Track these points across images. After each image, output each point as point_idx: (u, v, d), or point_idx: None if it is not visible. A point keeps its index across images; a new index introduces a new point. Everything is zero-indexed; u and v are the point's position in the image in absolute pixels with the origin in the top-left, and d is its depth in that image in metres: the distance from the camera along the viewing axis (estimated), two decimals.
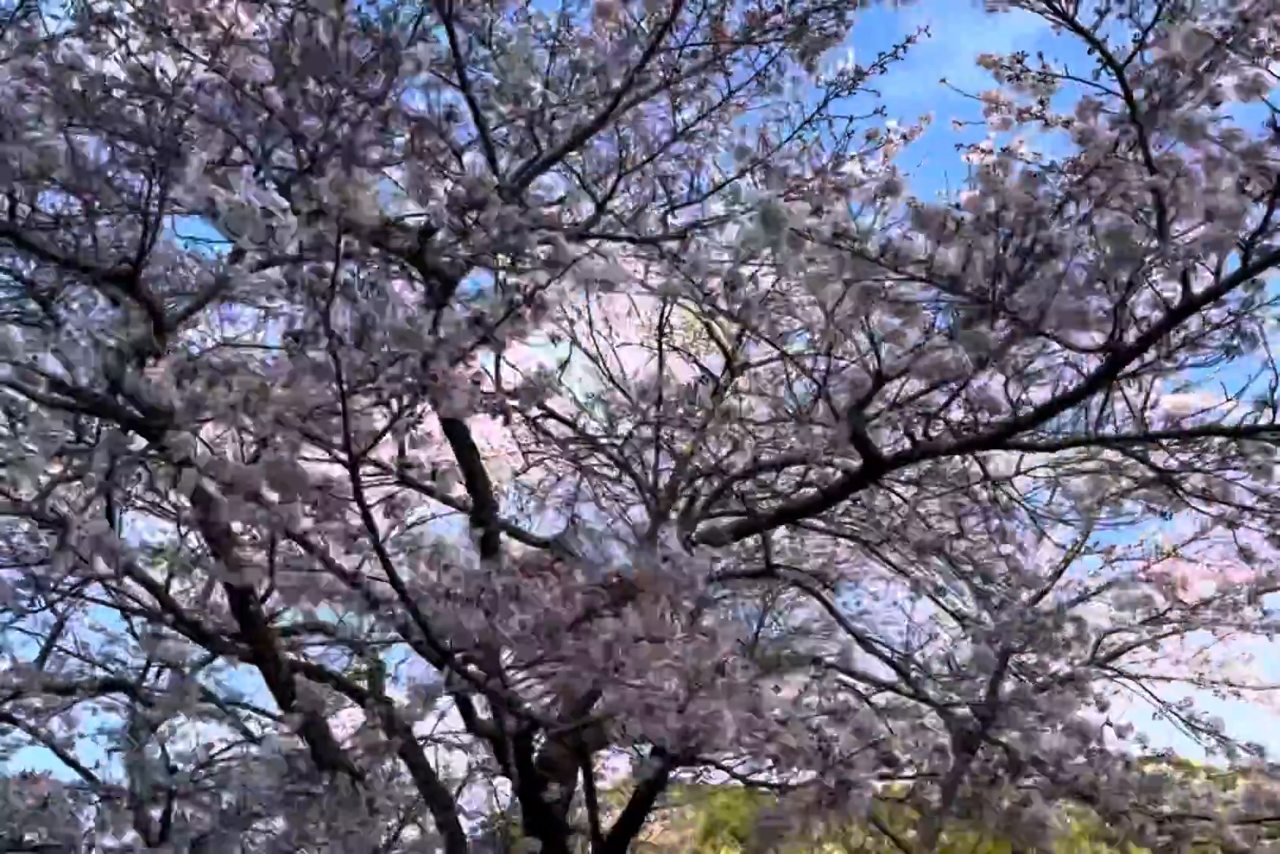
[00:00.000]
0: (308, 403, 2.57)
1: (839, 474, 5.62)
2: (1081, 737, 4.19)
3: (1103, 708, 5.01)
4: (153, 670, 8.63)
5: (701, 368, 6.91)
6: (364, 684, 7.34)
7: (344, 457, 2.65)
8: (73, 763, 7.76)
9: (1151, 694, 6.43)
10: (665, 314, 6.71)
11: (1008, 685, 5.28)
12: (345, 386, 2.55)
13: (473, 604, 2.88)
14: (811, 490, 6.02)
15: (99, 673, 8.45)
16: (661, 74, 4.34)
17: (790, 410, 4.95)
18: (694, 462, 6.57)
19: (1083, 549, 6.31)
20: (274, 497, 2.73)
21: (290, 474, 2.66)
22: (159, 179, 3.79)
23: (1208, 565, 6.28)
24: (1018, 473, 4.81)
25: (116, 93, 3.87)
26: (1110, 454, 4.74)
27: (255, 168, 3.89)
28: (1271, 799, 4.73)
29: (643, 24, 4.18)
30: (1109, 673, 6.60)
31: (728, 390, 6.16)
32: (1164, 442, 4.19)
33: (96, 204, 4.00)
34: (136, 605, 7.91)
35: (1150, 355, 3.64)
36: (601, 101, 4.50)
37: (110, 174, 3.99)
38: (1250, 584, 5.72)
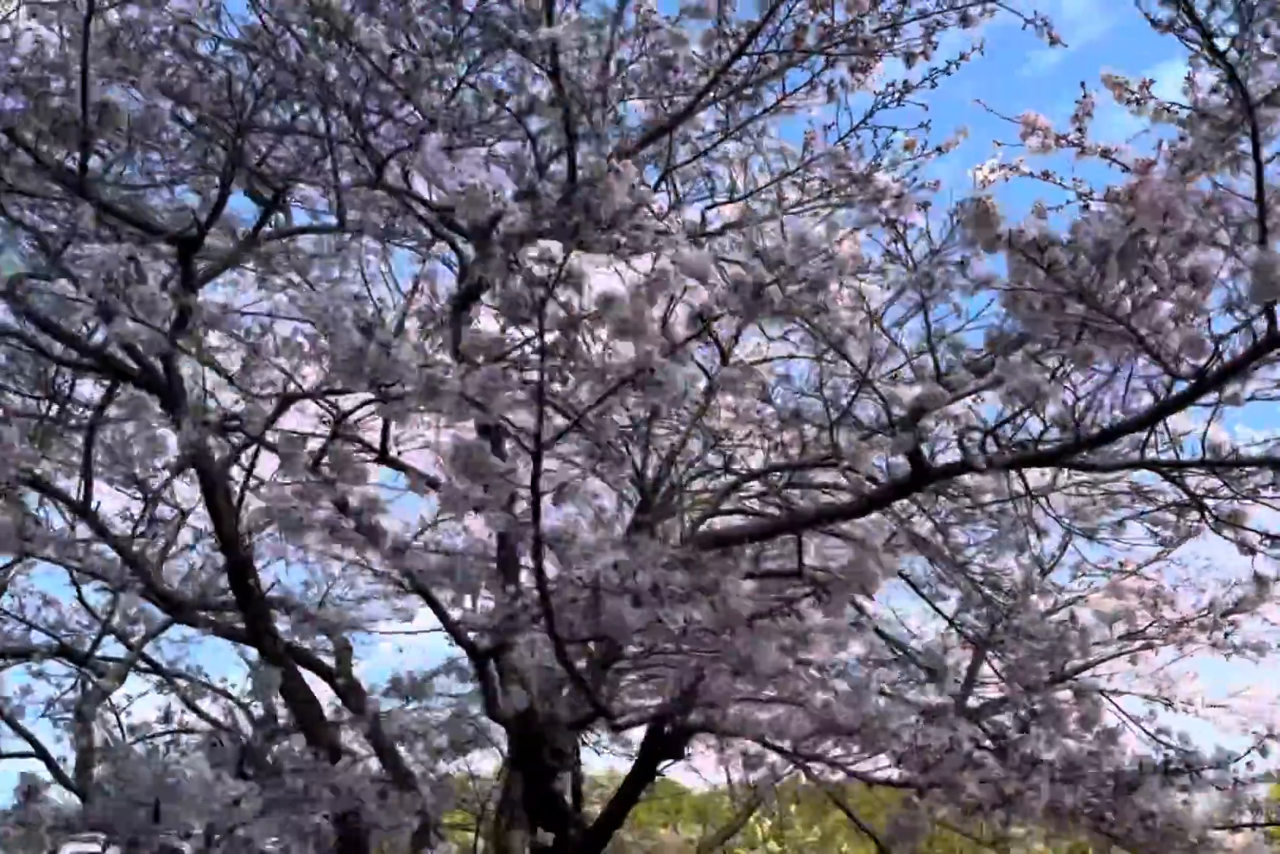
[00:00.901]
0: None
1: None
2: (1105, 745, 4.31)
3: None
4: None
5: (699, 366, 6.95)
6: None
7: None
8: (22, 731, 7.63)
9: (1118, 707, 6.61)
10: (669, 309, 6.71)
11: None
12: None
13: (623, 596, 2.89)
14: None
15: (40, 638, 8.33)
16: (740, 76, 4.37)
17: (825, 412, 4.98)
18: (685, 457, 6.61)
19: (1057, 562, 6.47)
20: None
21: (482, 461, 2.67)
22: (235, 146, 3.73)
23: (1186, 581, 6.50)
24: (1052, 489, 4.95)
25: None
26: (1134, 475, 4.90)
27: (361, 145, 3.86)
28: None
29: (733, 26, 4.21)
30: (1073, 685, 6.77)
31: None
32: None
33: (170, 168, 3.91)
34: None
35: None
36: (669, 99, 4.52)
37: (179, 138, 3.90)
38: (1226, 604, 5.92)
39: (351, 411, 4.00)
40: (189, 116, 3.90)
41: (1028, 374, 3.71)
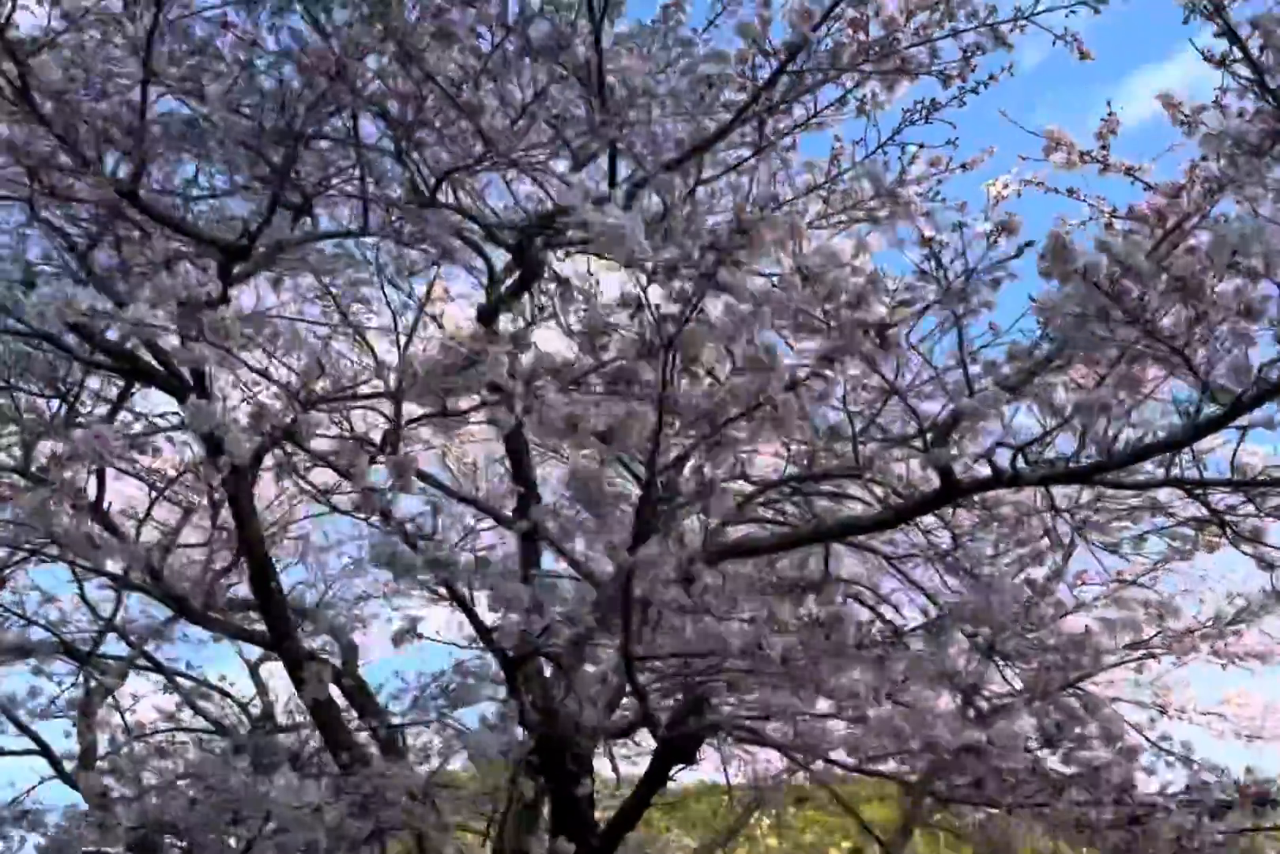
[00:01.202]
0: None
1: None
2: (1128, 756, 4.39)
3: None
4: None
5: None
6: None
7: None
8: (26, 729, 7.62)
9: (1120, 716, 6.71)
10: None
11: None
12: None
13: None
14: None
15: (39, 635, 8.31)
16: (779, 93, 4.43)
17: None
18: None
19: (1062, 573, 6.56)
20: None
21: (599, 488, 2.75)
22: (290, 157, 3.77)
23: (1184, 592, 6.61)
24: (1077, 506, 5.04)
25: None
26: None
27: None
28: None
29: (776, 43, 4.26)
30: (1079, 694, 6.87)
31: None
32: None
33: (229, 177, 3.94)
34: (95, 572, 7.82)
35: None
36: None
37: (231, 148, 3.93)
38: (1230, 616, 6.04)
39: (414, 421, 4.04)
40: (240, 127, 3.91)
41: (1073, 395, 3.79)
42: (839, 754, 4.94)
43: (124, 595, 8.05)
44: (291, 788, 3.65)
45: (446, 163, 4.18)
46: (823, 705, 4.21)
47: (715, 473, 3.14)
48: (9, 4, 3.42)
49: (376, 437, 5.84)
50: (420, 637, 4.94)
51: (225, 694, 8.96)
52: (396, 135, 3.99)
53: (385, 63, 3.78)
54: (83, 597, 8.30)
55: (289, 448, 6.77)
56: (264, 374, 5.84)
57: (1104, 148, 5.39)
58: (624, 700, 6.01)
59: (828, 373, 2.79)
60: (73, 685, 8.17)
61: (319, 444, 6.84)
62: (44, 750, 7.59)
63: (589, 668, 4.34)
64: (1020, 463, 4.38)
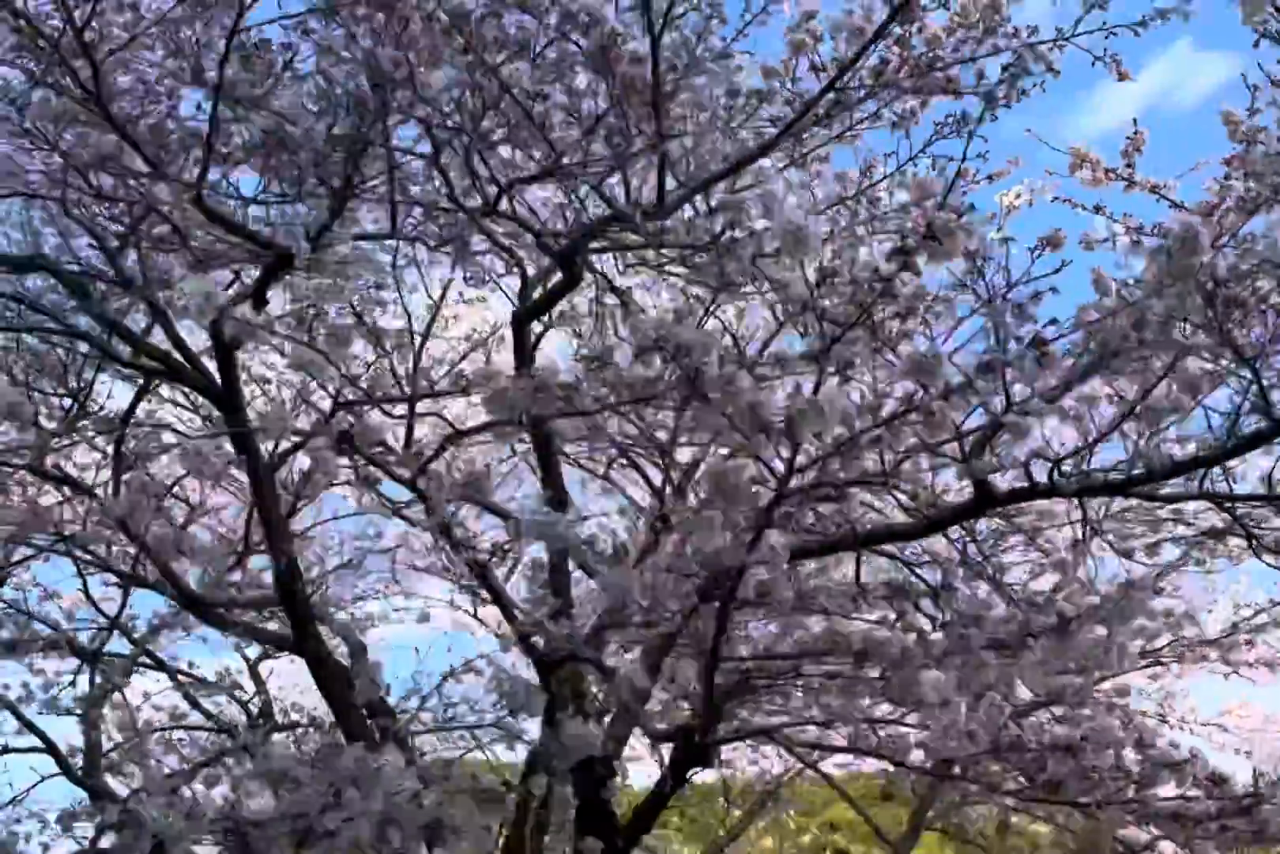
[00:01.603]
0: None
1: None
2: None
3: None
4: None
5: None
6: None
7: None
8: (31, 726, 7.61)
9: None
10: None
11: None
12: None
13: None
14: None
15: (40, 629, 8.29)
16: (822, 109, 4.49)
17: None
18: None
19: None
20: None
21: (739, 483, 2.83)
22: (351, 165, 3.80)
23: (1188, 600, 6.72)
24: (1106, 516, 5.12)
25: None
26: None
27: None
28: None
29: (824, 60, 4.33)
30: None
31: None
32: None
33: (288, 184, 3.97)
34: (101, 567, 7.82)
35: None
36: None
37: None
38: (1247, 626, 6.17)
39: (472, 431, 4.08)
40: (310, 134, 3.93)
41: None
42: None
43: (130, 592, 8.05)
44: (398, 770, 3.67)
45: (501, 170, 4.21)
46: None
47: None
48: (88, 6, 3.44)
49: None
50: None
51: (231, 692, 8.97)
52: (467, 145, 4.01)
53: (458, 73, 3.81)
54: (86, 593, 8.29)
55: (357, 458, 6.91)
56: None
57: (1129, 165, 5.47)
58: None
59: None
60: (70, 684, 8.18)
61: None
62: (50, 748, 7.57)
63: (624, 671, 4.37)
64: (1056, 475, 4.46)
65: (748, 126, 4.47)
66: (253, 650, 9.59)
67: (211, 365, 5.43)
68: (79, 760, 7.72)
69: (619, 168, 4.25)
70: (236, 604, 7.11)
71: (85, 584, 8.27)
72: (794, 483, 4.53)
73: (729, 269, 3.62)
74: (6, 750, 7.72)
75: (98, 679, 7.99)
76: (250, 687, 9.07)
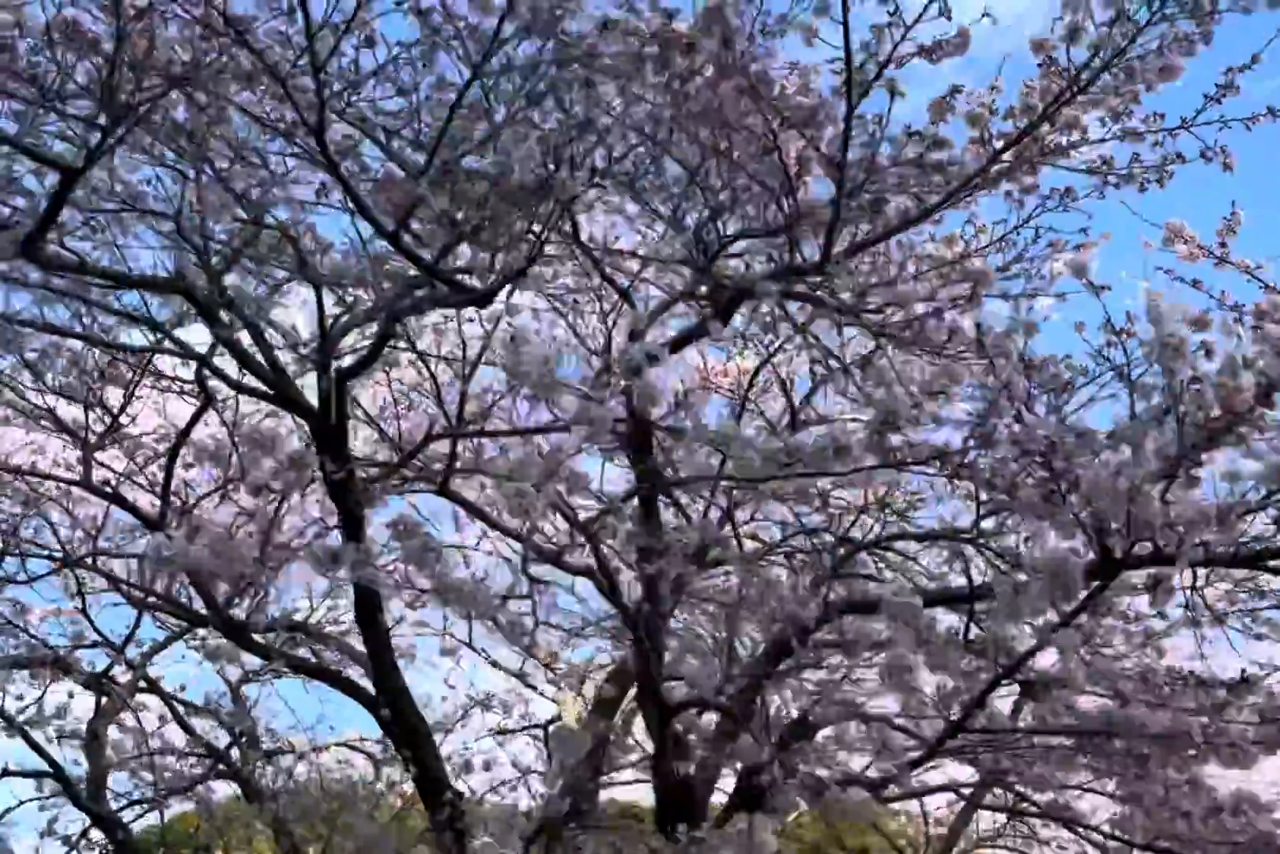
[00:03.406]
0: None
1: None
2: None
3: None
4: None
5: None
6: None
7: None
8: (39, 749, 7.37)
9: None
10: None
11: None
12: None
13: None
14: None
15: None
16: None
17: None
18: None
19: None
20: None
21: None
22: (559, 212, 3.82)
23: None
24: (1207, 584, 5.28)
25: None
26: None
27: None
28: None
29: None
30: None
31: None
32: None
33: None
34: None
35: None
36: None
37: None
38: None
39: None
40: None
41: None
42: None
43: (142, 614, 7.85)
44: None
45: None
46: None
47: None
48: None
49: None
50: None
51: (213, 715, 8.78)
52: (697, 199, 4.07)
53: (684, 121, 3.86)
54: (84, 612, 8.04)
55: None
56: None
57: (1223, 244, 5.70)
58: None
59: None
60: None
61: None
62: (56, 771, 7.32)
63: None
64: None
65: (920, 191, 4.58)
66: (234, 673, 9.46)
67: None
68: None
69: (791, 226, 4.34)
70: (273, 628, 6.99)
71: (84, 603, 8.05)
72: None
73: None
74: (7, 773, 7.45)
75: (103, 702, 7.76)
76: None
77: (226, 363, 5.60)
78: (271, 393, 5.18)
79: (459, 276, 4.20)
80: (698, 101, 3.95)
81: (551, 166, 3.75)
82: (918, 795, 4.70)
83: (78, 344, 6.78)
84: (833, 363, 4.85)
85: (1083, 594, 3.42)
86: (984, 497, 5.64)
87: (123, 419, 7.15)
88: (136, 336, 6.47)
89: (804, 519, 6.63)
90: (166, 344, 5.46)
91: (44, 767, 7.41)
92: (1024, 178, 5.29)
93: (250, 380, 5.31)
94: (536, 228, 4.20)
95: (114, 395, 7.08)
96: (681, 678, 4.66)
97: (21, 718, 7.42)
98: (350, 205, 3.97)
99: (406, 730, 5.72)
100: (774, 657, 5.47)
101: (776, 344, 6.57)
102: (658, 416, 5.21)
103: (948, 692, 3.56)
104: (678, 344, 5.13)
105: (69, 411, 7.10)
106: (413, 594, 7.44)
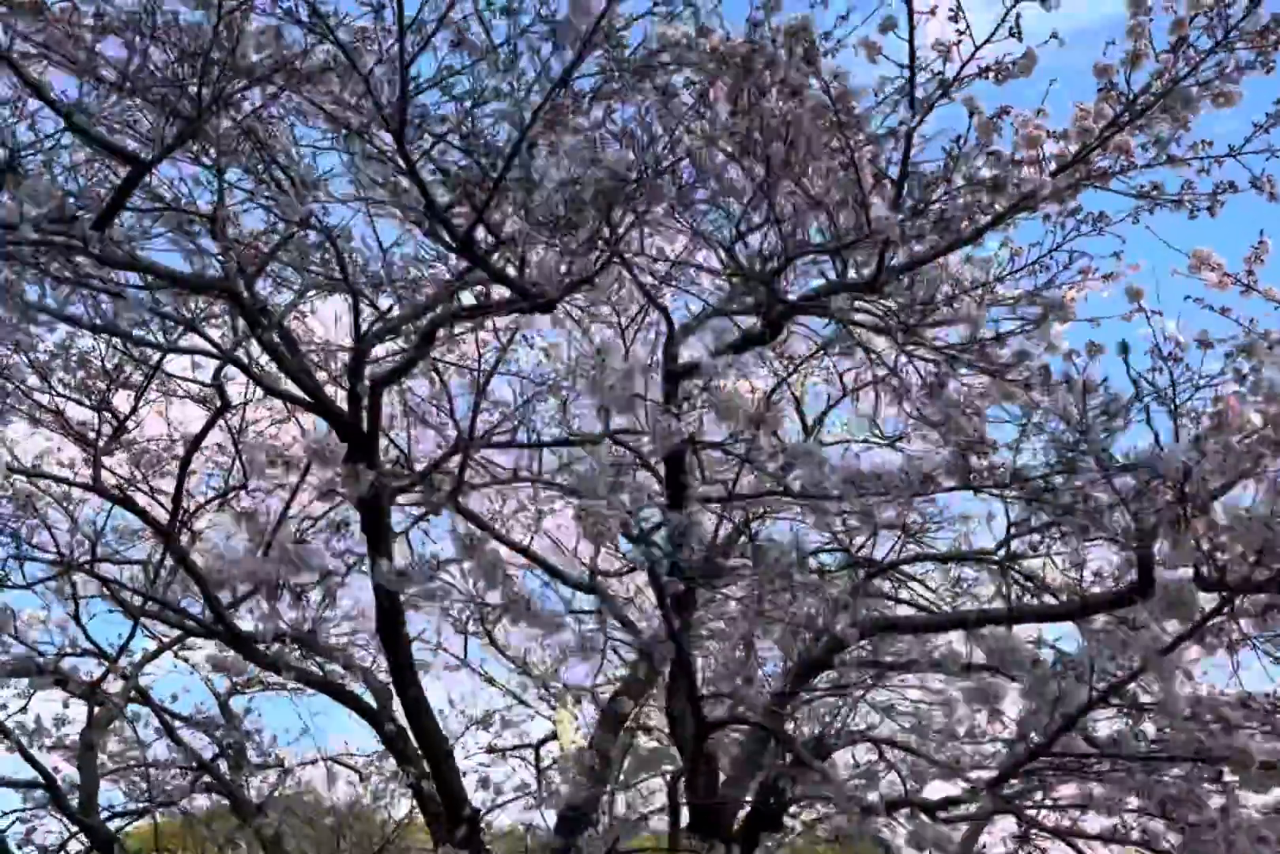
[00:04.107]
0: None
1: None
2: None
3: None
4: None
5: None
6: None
7: None
8: (32, 760, 7.22)
9: None
10: None
11: None
12: None
13: None
14: None
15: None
16: None
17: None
18: None
19: None
20: None
21: None
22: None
23: None
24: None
25: None
26: None
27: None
28: None
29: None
30: None
31: None
32: None
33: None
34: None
35: None
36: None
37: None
38: None
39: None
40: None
41: None
42: None
43: (139, 623, 7.70)
44: None
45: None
46: None
47: None
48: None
49: None
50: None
51: (200, 727, 8.65)
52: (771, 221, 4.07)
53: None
54: (77, 620, 7.90)
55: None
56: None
57: (1250, 272, 5.74)
58: None
59: None
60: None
61: None
62: (49, 782, 7.17)
63: None
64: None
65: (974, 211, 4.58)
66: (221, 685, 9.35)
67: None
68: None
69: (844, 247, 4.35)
70: (281, 639, 6.88)
71: (77, 608, 7.92)
72: None
73: None
74: (2, 783, 7.30)
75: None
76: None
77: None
78: (306, 398, 5.13)
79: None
80: (769, 116, 3.94)
81: (640, 172, 3.75)
82: (976, 818, 4.63)
83: (86, 345, 6.71)
84: (895, 382, 4.83)
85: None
86: (1015, 518, 5.72)
87: (129, 423, 7.02)
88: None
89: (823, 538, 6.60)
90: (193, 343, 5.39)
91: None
92: (1069, 200, 5.31)
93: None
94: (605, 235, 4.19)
95: (121, 399, 6.96)
96: (721, 694, 4.60)
97: (14, 728, 7.26)
98: (423, 208, 3.92)
99: (426, 746, 5.65)
100: (800, 675, 5.45)
101: (798, 362, 6.59)
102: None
103: (1032, 714, 3.53)
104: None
105: (76, 413, 6.97)
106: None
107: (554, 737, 8.95)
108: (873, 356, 4.85)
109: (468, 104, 3.80)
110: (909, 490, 3.50)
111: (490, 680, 9.29)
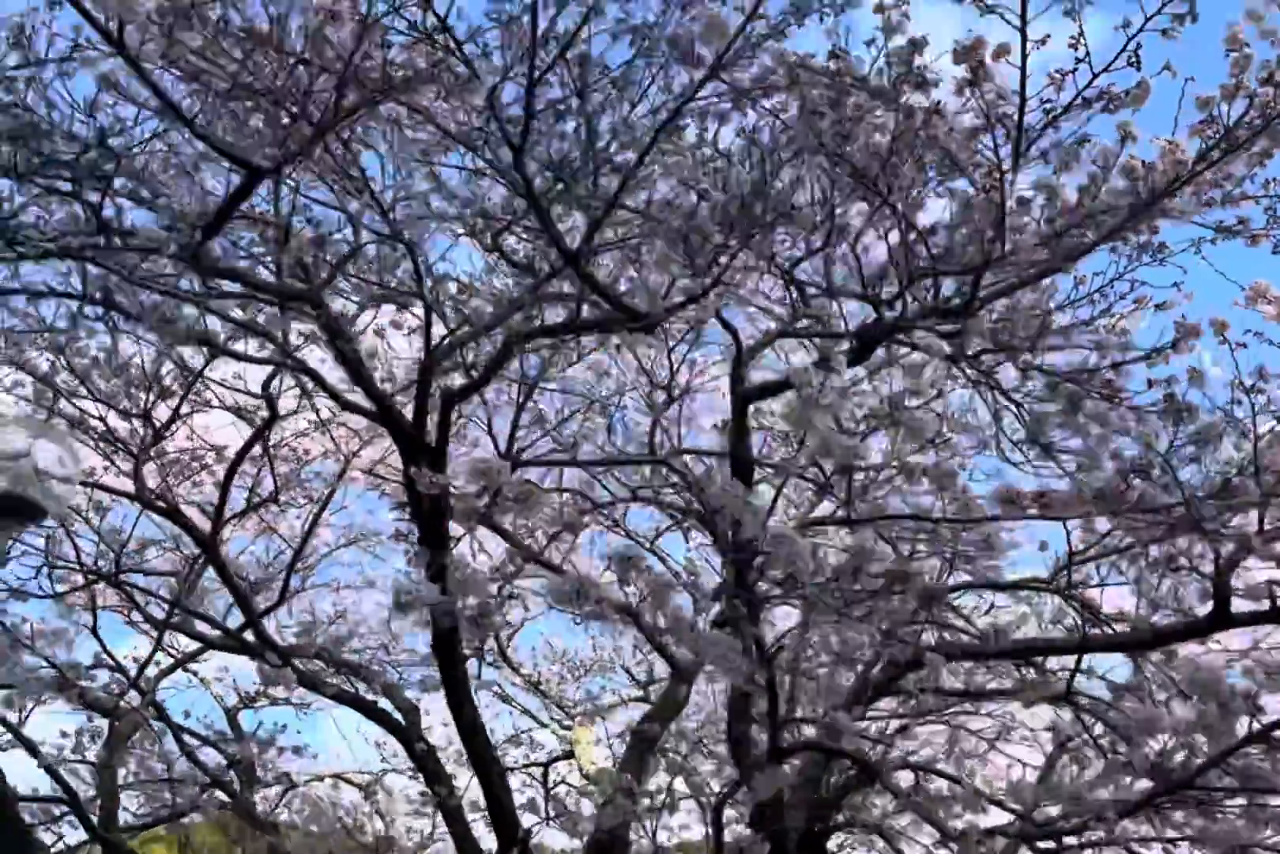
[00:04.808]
0: None
1: None
2: None
3: None
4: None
5: None
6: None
7: None
8: (49, 767, 7.10)
9: None
10: None
11: None
12: None
13: None
14: None
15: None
16: None
17: None
18: None
19: None
20: None
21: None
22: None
23: None
24: None
25: None
26: None
27: None
28: None
29: None
30: None
31: None
32: None
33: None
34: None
35: None
36: None
37: None
38: None
39: None
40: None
41: None
42: None
43: (163, 636, 7.60)
44: None
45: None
46: None
47: None
48: None
49: None
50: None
51: (213, 745, 8.54)
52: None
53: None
54: (95, 634, 7.79)
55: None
56: None
57: None
58: None
59: None
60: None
61: None
62: (71, 797, 7.04)
63: None
64: None
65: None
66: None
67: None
68: None
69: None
70: (322, 656, 6.83)
71: (95, 621, 7.81)
72: None
73: None
74: (22, 799, 7.14)
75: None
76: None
77: None
78: (374, 411, 5.08)
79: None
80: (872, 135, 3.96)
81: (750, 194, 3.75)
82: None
83: (127, 352, 6.62)
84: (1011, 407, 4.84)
85: None
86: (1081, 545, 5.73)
87: (166, 433, 6.93)
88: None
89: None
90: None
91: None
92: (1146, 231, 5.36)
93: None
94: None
95: (161, 409, 6.87)
96: (805, 720, 4.57)
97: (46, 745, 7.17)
98: (538, 221, 3.89)
99: (478, 764, 5.58)
100: (863, 701, 5.44)
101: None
102: None
103: (1172, 747, 3.53)
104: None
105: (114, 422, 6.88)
106: None
107: (565, 756, 8.89)
108: (991, 382, 4.86)
109: (586, 122, 3.79)
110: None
111: (505, 698, 9.26)
